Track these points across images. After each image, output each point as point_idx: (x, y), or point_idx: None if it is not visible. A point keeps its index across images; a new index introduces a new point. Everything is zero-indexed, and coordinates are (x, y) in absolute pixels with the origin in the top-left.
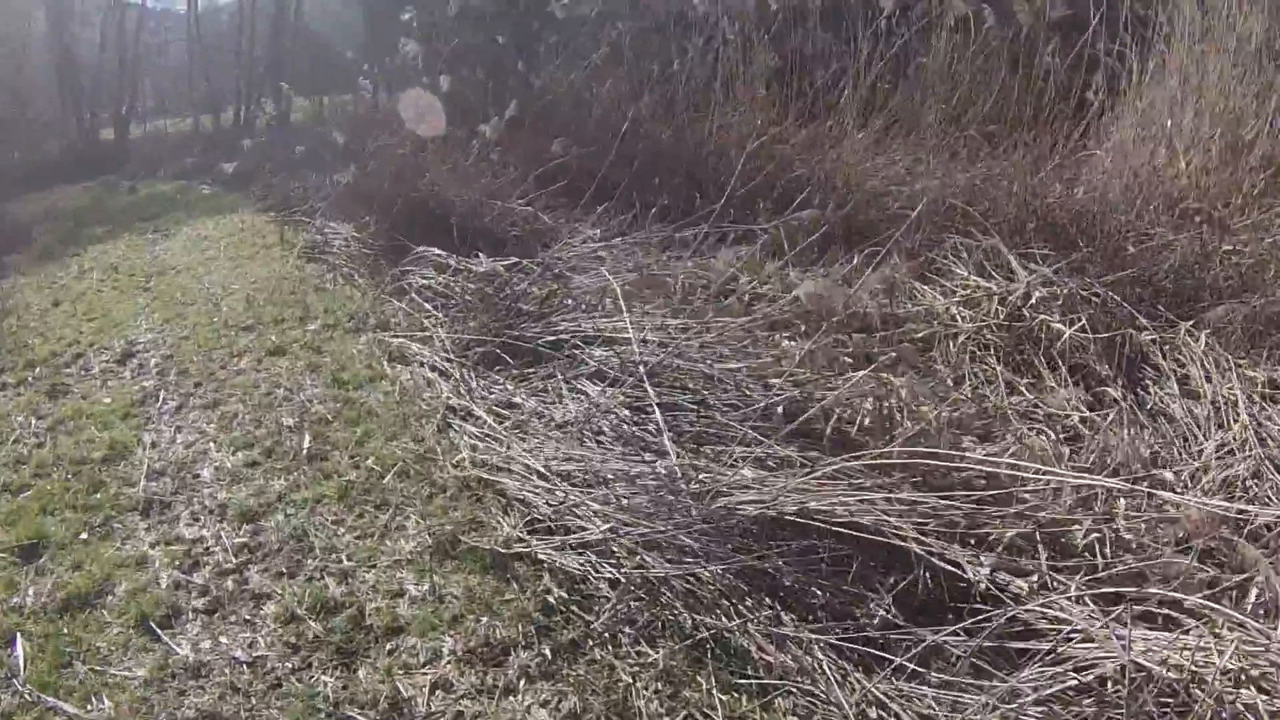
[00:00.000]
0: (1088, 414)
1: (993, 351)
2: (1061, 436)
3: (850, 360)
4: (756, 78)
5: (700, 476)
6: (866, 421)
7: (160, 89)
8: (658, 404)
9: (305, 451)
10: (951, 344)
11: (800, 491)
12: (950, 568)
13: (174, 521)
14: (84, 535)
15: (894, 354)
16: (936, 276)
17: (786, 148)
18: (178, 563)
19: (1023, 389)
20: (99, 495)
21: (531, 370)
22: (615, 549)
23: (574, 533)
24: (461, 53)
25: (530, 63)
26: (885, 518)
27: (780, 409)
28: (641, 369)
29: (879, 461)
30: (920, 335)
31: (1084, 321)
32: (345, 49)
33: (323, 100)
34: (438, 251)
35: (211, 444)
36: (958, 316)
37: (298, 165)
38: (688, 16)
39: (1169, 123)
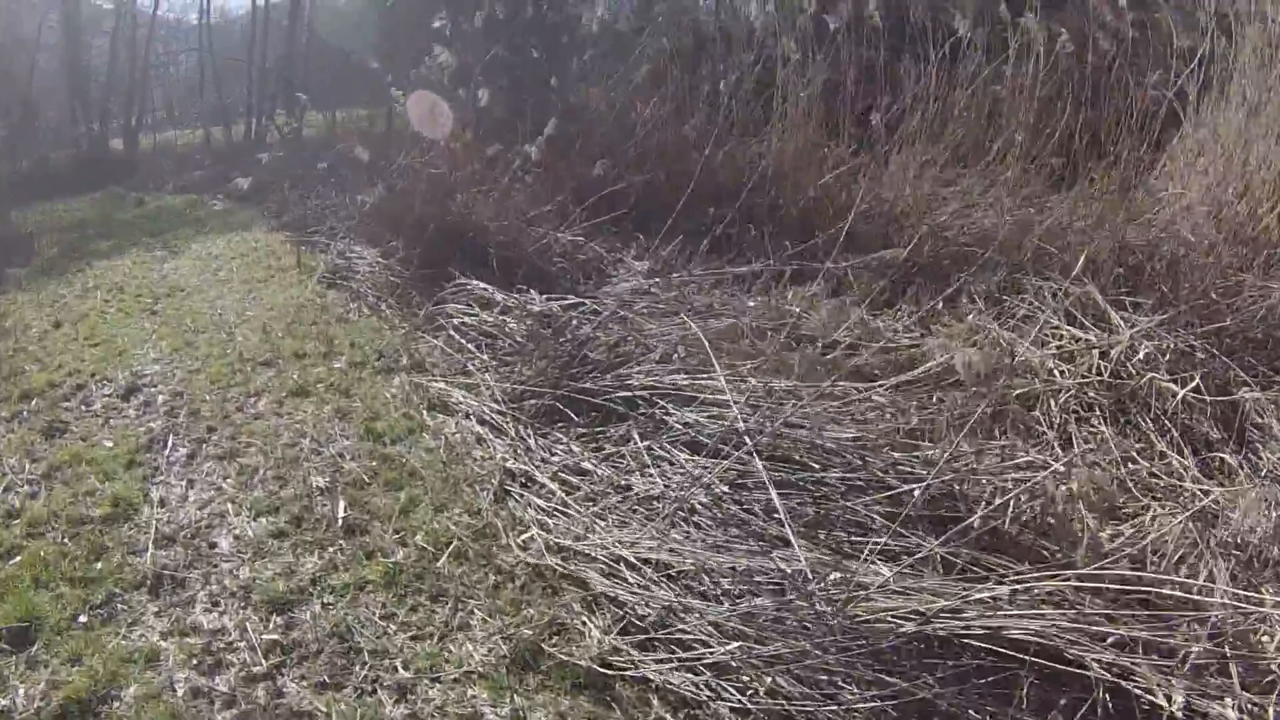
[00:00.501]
0: (1210, 486)
1: (1096, 412)
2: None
3: (956, 419)
4: (813, 99)
5: (832, 576)
6: (1024, 515)
7: (170, 99)
8: (770, 481)
9: (341, 521)
10: (1053, 402)
11: (962, 600)
12: (1135, 689)
13: (189, 605)
14: (83, 618)
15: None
16: (1022, 323)
17: (846, 175)
18: (195, 661)
19: (1136, 456)
20: (100, 565)
21: (602, 430)
22: (736, 663)
23: (682, 643)
24: (494, 66)
25: (563, 78)
26: (1067, 637)
27: (917, 493)
28: (747, 438)
29: (1078, 584)
30: (1019, 392)
31: (1197, 381)
32: (361, 60)
33: (335, 114)
34: (482, 286)
35: (229, 505)
36: (1055, 371)
37: (316, 182)
38: (731, 32)
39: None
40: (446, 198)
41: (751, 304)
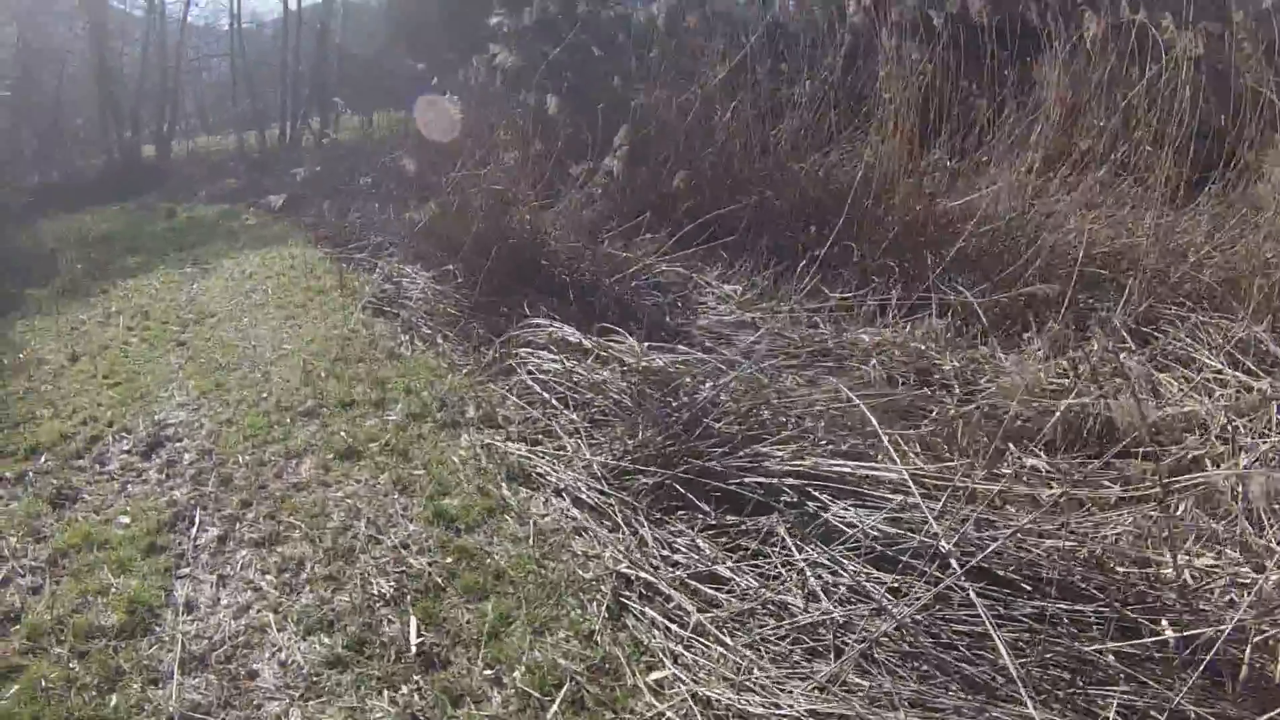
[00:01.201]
0: None
1: None
2: None
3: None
4: (912, 103)
5: None
6: None
7: (203, 105)
8: (988, 618)
9: (414, 649)
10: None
11: None
12: None
13: None
14: None
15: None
16: (1174, 363)
17: (952, 186)
18: None
19: None
20: (114, 702)
21: (736, 524)
22: None
23: None
24: (555, 67)
25: (626, 79)
26: None
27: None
28: (953, 560)
29: None
30: (1194, 455)
31: None
32: (397, 62)
33: (371, 118)
34: (568, 330)
35: (271, 615)
36: (1228, 426)
37: (355, 193)
38: (789, 28)
39: None
40: (510, 216)
41: (866, 336)
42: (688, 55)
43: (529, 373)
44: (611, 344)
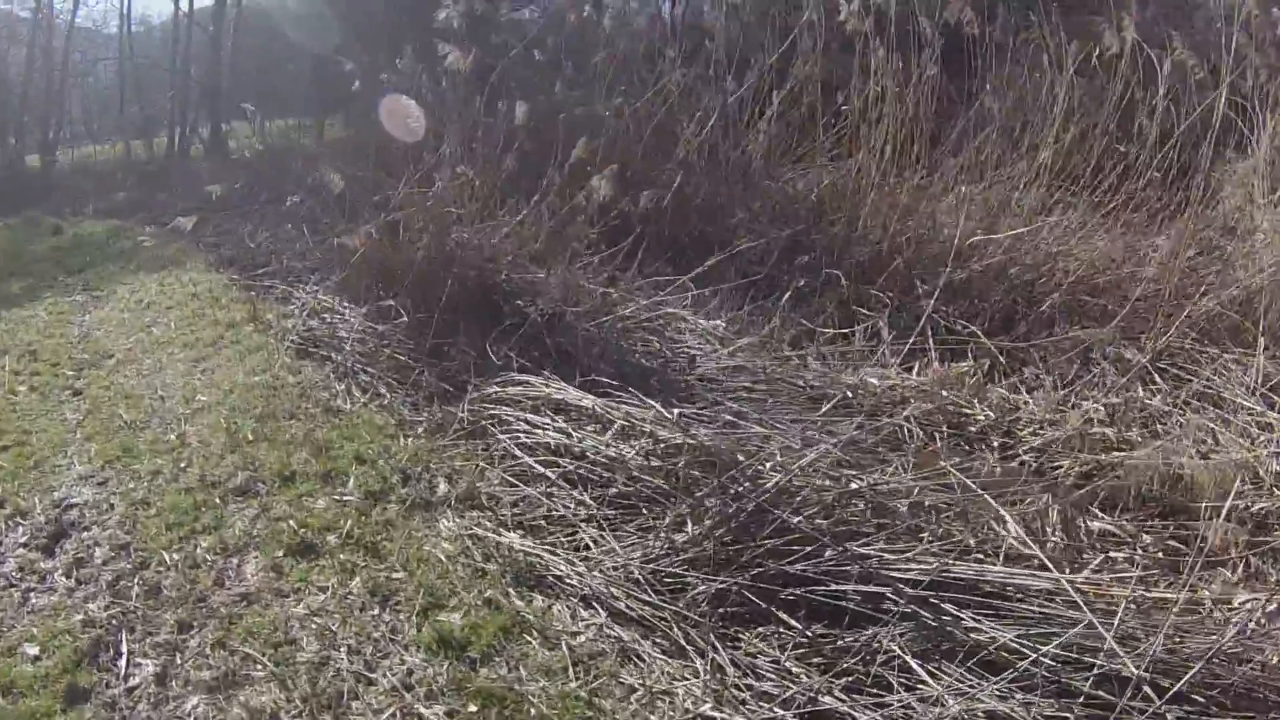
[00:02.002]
0: None
1: None
2: None
3: None
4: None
5: None
6: None
7: (89, 112)
8: None
9: None
10: None
11: None
12: None
13: None
14: None
15: None
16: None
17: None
18: None
19: None
20: None
21: (832, 638)
22: None
23: None
24: (512, 71)
25: (570, 87)
26: None
27: None
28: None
29: None
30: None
31: None
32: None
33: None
34: (569, 391)
35: None
36: None
37: (268, 213)
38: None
39: None
40: (464, 244)
41: (873, 380)
42: (640, 60)
43: (514, 439)
44: (621, 407)
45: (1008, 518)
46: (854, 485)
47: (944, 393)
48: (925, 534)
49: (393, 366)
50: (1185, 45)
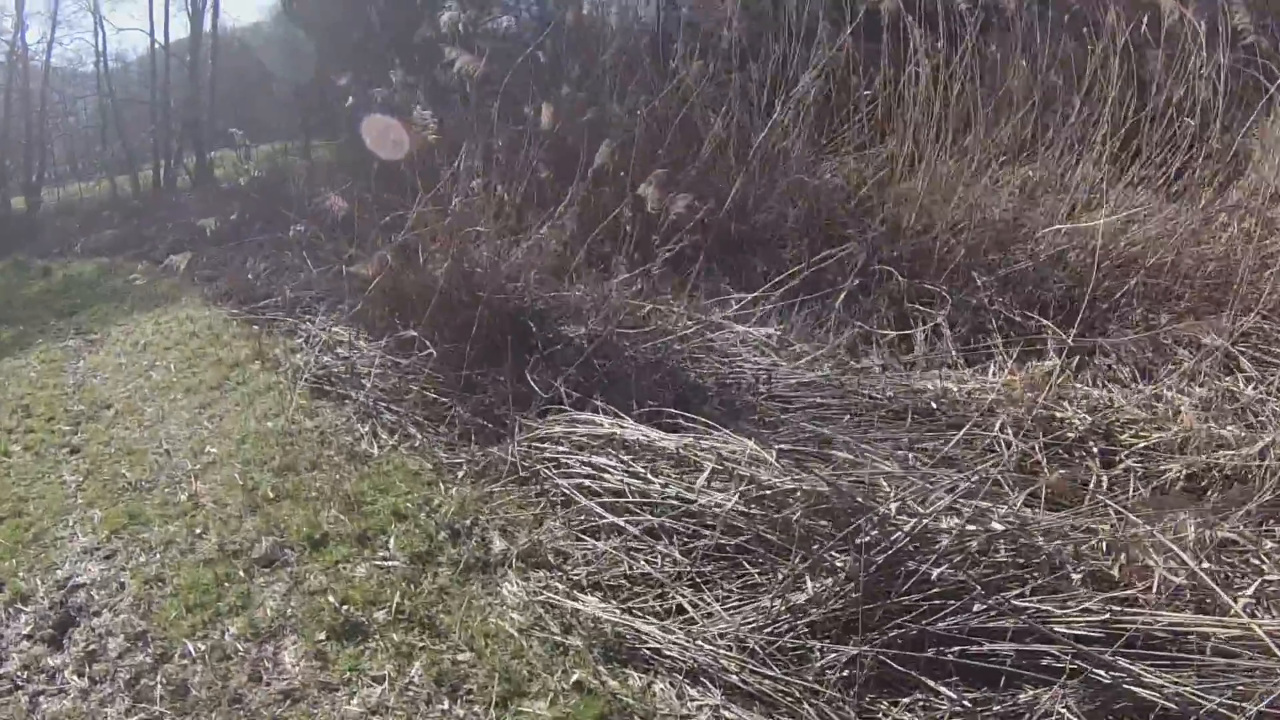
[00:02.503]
0: None
1: None
2: None
3: None
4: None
5: None
6: None
7: (71, 151)
8: None
9: None
10: None
11: None
12: None
13: None
14: None
15: None
16: None
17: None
18: None
19: None
20: None
21: (985, 699)
22: None
23: None
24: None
25: (575, 88)
26: None
27: None
28: None
29: None
30: None
31: None
32: (291, 87)
33: (249, 150)
34: (638, 428)
35: None
36: None
37: (267, 242)
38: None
39: None
40: (489, 264)
41: (951, 385)
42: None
43: (574, 483)
44: (703, 443)
45: (1184, 556)
46: (996, 526)
47: (1031, 396)
48: (1078, 576)
49: (420, 403)
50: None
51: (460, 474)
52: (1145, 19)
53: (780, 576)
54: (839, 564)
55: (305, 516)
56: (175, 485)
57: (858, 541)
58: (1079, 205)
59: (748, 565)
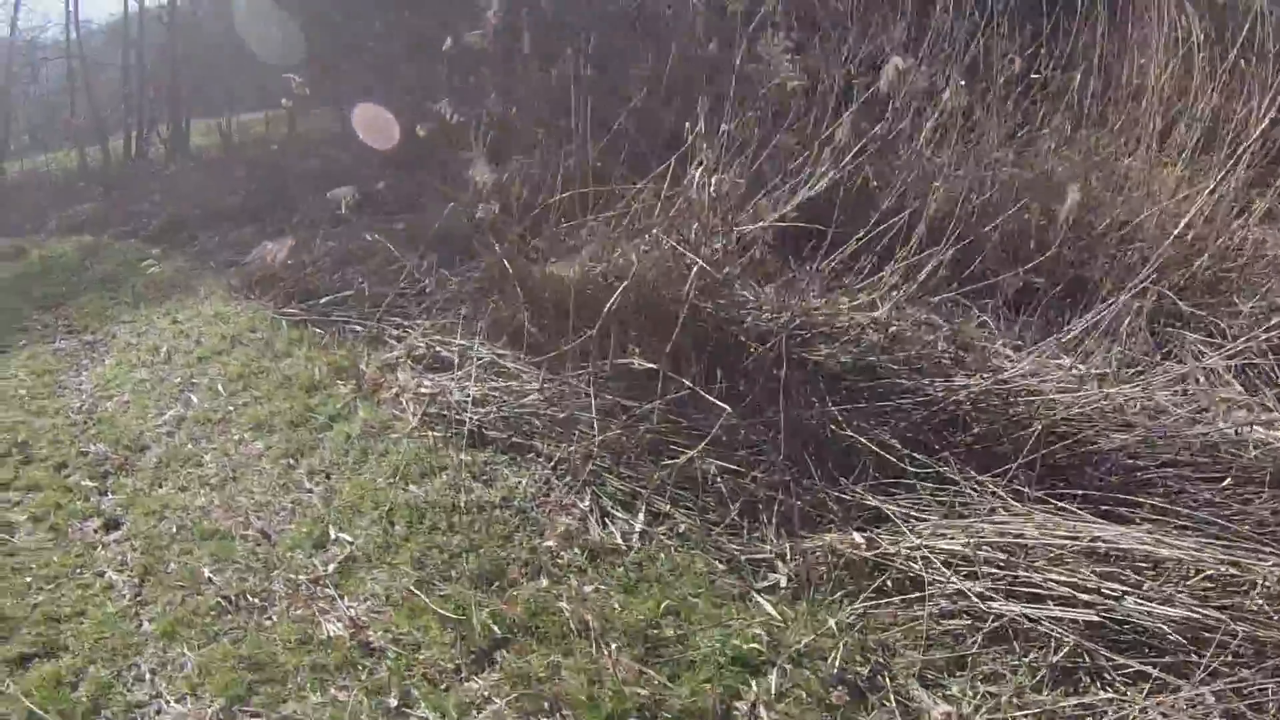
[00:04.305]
0: None
1: None
2: None
3: None
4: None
5: None
6: None
7: (33, 120)
8: None
9: None
10: None
11: None
12: None
13: None
14: None
15: None
16: None
17: None
18: None
19: None
20: None
21: None
22: None
23: None
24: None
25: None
26: None
27: None
28: None
29: None
30: None
31: None
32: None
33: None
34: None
35: None
36: None
37: (321, 222)
38: None
39: None
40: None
41: None
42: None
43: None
44: None
45: None
46: None
47: None
48: None
49: (623, 448)
50: None
51: (781, 583)
52: None
53: None
54: None
55: (576, 676)
56: (297, 598)
57: None
58: None
59: None
